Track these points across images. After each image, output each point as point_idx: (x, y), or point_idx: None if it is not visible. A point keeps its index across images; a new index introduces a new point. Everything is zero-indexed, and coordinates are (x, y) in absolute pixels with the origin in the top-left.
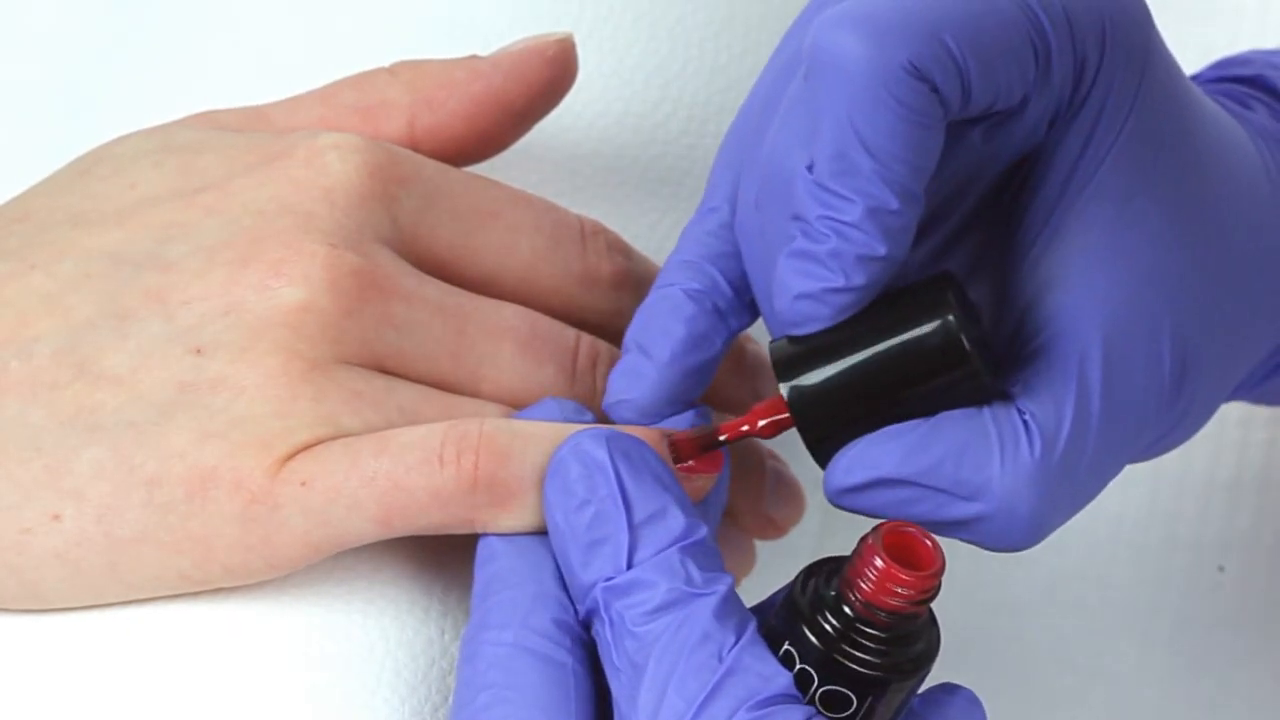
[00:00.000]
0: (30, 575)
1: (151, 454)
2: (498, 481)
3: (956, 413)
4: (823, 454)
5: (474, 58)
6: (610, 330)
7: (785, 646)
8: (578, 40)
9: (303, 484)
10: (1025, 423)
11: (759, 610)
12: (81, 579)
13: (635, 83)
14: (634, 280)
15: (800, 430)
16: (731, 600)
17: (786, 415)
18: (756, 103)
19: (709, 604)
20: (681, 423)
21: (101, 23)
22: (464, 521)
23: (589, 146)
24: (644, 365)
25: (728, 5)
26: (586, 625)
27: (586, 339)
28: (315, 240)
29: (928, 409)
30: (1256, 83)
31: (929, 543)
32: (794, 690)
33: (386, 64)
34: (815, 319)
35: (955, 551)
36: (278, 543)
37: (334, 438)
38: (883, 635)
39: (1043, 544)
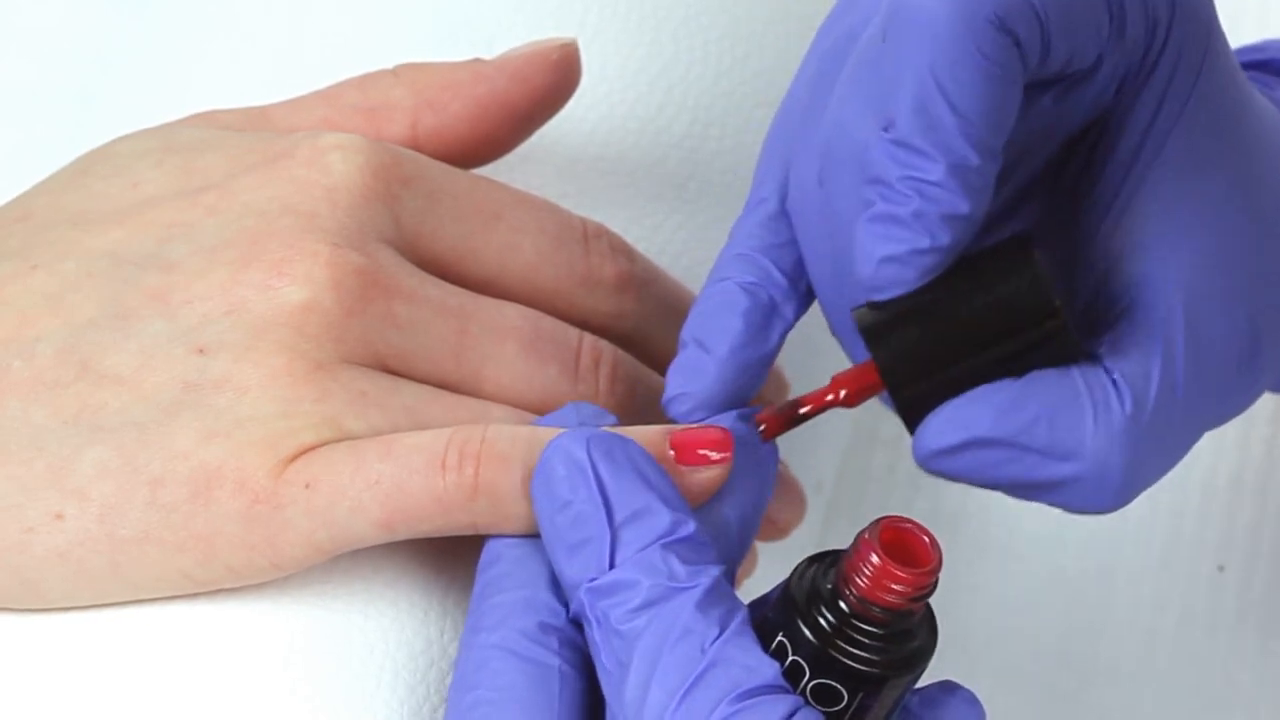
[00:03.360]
0: (32, 574)
1: (155, 454)
2: (499, 488)
3: (1047, 372)
4: (913, 417)
5: (478, 60)
6: (613, 332)
7: (779, 638)
8: (581, 43)
9: (307, 485)
10: (1114, 382)
11: (761, 603)
12: (84, 578)
13: (639, 85)
14: (637, 282)
15: (892, 393)
16: (717, 592)
17: (873, 381)
18: (801, 92)
19: (691, 597)
20: (724, 421)
21: (103, 22)
22: (466, 526)
23: (592, 149)
24: (703, 360)
25: (732, 8)
26: (580, 627)
27: (589, 339)
28: (318, 240)
29: (1017, 370)
30: (1270, 67)
31: (926, 539)
32: (781, 681)
33: (390, 65)
34: (901, 282)
35: (955, 550)
36: (281, 543)
37: (337, 438)
38: (877, 631)
39: (1042, 542)
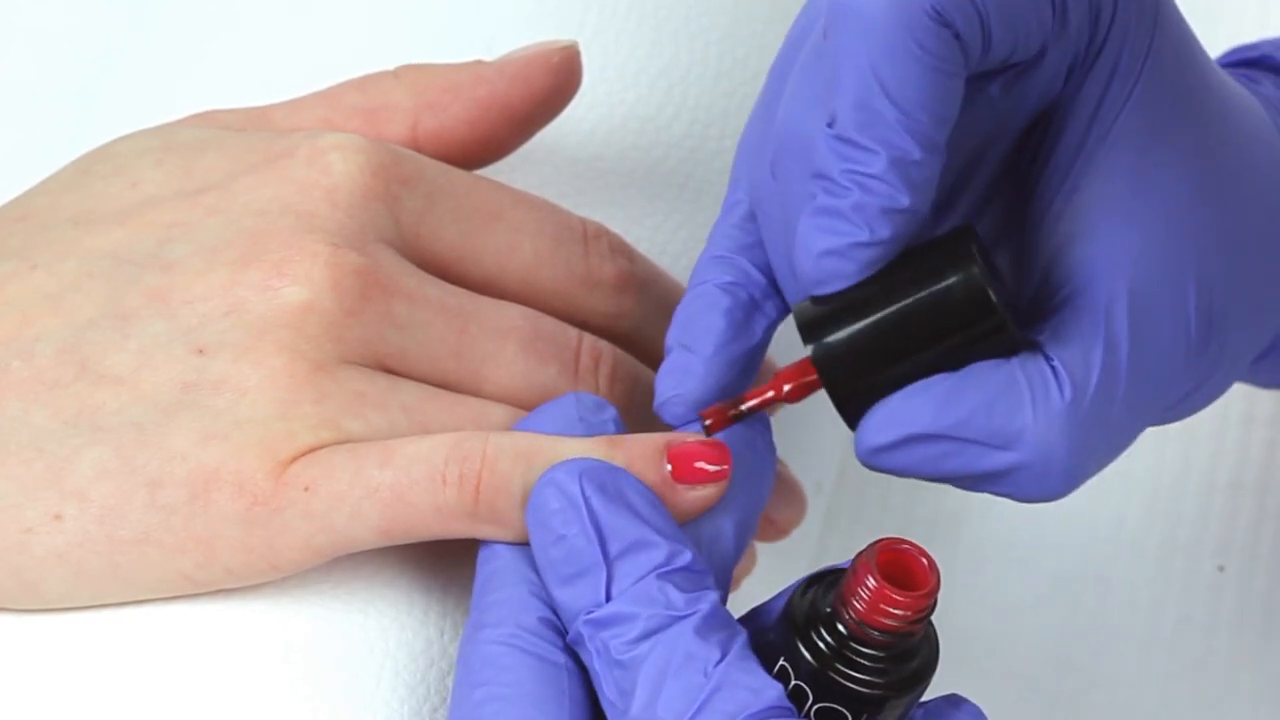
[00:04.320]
0: (31, 575)
1: (154, 455)
2: (498, 501)
3: (985, 364)
4: (851, 414)
5: (479, 62)
6: (612, 332)
7: (781, 661)
8: (581, 43)
9: (306, 489)
10: (1054, 369)
11: (756, 615)
12: (83, 579)
13: (640, 86)
14: (636, 282)
15: (828, 390)
16: (716, 617)
17: (813, 378)
18: (769, 92)
19: (690, 623)
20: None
21: (103, 22)
22: (465, 534)
23: (592, 149)
24: (689, 361)
25: (732, 9)
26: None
27: (589, 339)
28: (317, 240)
29: (956, 363)
30: (1261, 64)
31: (924, 561)
32: (786, 703)
33: (391, 66)
34: (840, 276)
35: (955, 553)
36: (280, 546)
37: (336, 440)
38: (877, 654)
39: (1042, 545)
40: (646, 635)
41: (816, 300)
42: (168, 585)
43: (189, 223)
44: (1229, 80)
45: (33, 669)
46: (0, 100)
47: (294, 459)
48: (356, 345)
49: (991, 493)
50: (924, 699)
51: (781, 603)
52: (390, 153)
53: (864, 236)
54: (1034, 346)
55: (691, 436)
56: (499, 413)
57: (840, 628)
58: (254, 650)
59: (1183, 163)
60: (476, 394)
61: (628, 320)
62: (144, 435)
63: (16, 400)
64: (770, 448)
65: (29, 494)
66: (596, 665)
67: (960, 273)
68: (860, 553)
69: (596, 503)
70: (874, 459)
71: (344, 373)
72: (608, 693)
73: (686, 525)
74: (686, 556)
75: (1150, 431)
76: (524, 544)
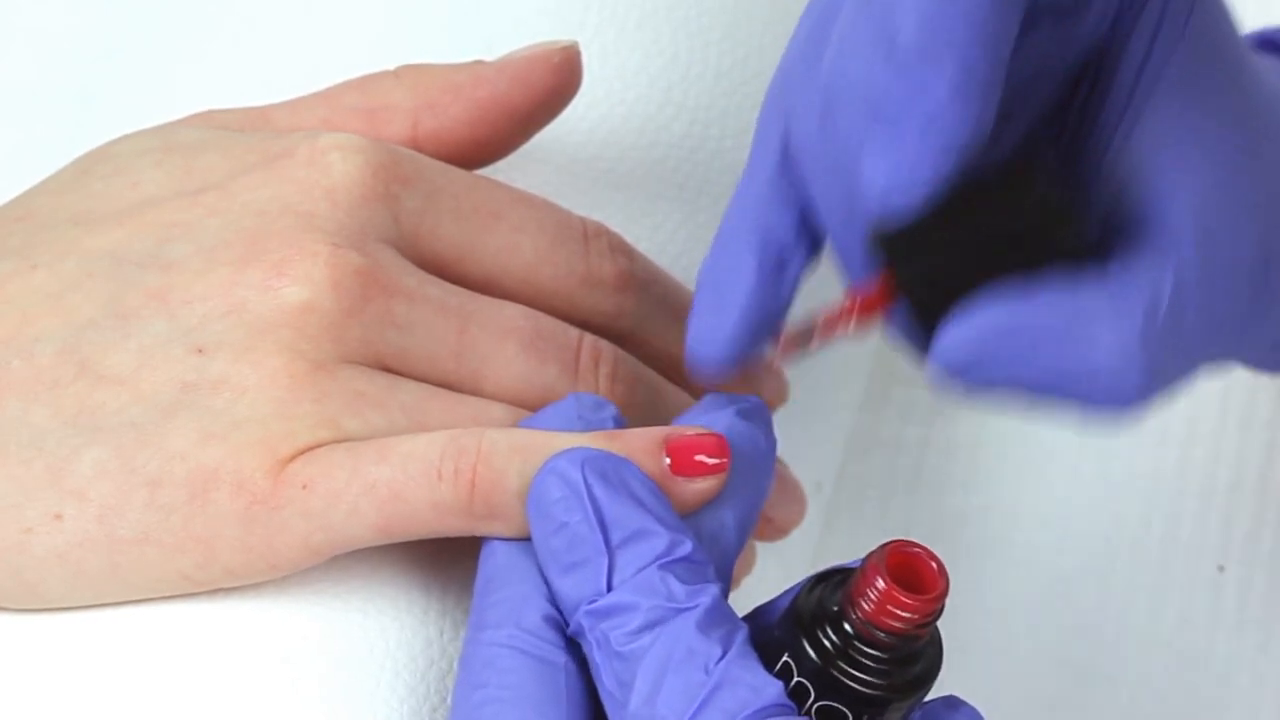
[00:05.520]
0: (31, 575)
1: (153, 455)
2: (494, 496)
3: (1060, 275)
4: (927, 331)
5: (479, 63)
6: (612, 331)
7: (785, 658)
8: (581, 42)
9: (303, 487)
10: (1127, 284)
11: (760, 613)
12: (83, 579)
13: (639, 85)
14: (636, 281)
15: (907, 307)
16: (717, 611)
17: (887, 298)
18: (794, 53)
19: (692, 617)
20: (722, 418)
21: (103, 22)
22: (463, 531)
23: (592, 148)
24: (716, 315)
25: (733, 9)
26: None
27: (589, 338)
28: (317, 240)
29: (1032, 274)
30: (1271, 44)
31: (934, 565)
32: (786, 700)
33: (391, 66)
34: (909, 203)
35: (955, 553)
36: (278, 544)
37: (335, 438)
38: (882, 656)
39: (1042, 544)
40: (648, 627)
41: (885, 230)
42: (167, 585)
43: (189, 223)
44: (1252, 52)
45: (32, 669)
46: (0, 100)
47: (293, 457)
48: (357, 345)
49: (1066, 404)
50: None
51: (784, 603)
52: (390, 153)
53: (928, 167)
54: (1105, 263)
55: (691, 430)
56: (499, 412)
57: (847, 627)
58: (253, 650)
59: (1231, 109)
60: (477, 393)
61: (628, 319)
62: (143, 435)
63: (16, 400)
64: (771, 441)
65: (29, 494)
66: (596, 656)
67: (1033, 188)
68: (870, 553)
69: (599, 490)
70: (951, 372)
71: (344, 372)
72: (607, 684)
73: (688, 518)
74: (688, 546)
75: (1150, 431)
76: (523, 539)
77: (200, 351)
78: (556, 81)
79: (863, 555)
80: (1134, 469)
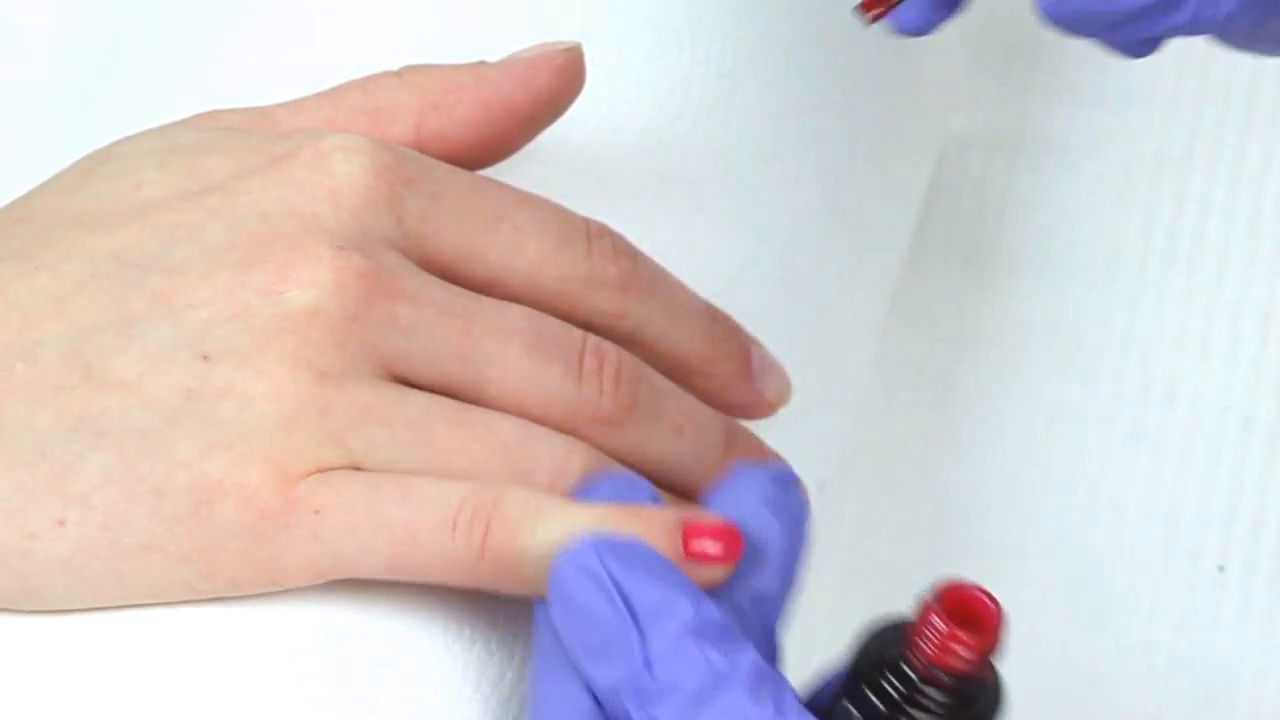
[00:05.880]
0: (34, 581)
1: (158, 463)
2: (504, 554)
3: None
4: None
5: (483, 63)
6: (616, 332)
7: (847, 706)
8: (585, 41)
9: (317, 511)
10: None
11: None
12: (86, 586)
13: (641, 86)
14: (640, 283)
15: None
16: (759, 671)
17: None
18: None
19: (738, 682)
20: (753, 495)
21: (104, 22)
22: (471, 584)
23: (595, 149)
24: None
25: (735, 9)
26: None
27: (593, 340)
28: (321, 243)
29: None
30: None
31: (989, 601)
32: None
33: (394, 67)
34: None
35: (955, 553)
36: (285, 564)
37: (340, 457)
38: (945, 699)
39: (1041, 546)
40: (698, 701)
41: None
42: (170, 593)
43: (192, 224)
44: None
45: (33, 667)
46: (1, 100)
47: (302, 477)
48: (361, 350)
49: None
50: None
51: (824, 683)
52: (393, 153)
53: None
54: None
55: (709, 517)
56: (507, 426)
57: (908, 671)
58: (250, 650)
59: None
60: (481, 396)
61: (631, 320)
62: (148, 442)
63: (20, 404)
64: (805, 508)
65: (32, 499)
66: None
67: None
68: (923, 596)
69: (617, 570)
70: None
71: (350, 383)
72: None
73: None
74: (712, 609)
75: (1150, 431)
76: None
77: (205, 358)
78: (560, 82)
79: (863, 556)
80: (1134, 469)
